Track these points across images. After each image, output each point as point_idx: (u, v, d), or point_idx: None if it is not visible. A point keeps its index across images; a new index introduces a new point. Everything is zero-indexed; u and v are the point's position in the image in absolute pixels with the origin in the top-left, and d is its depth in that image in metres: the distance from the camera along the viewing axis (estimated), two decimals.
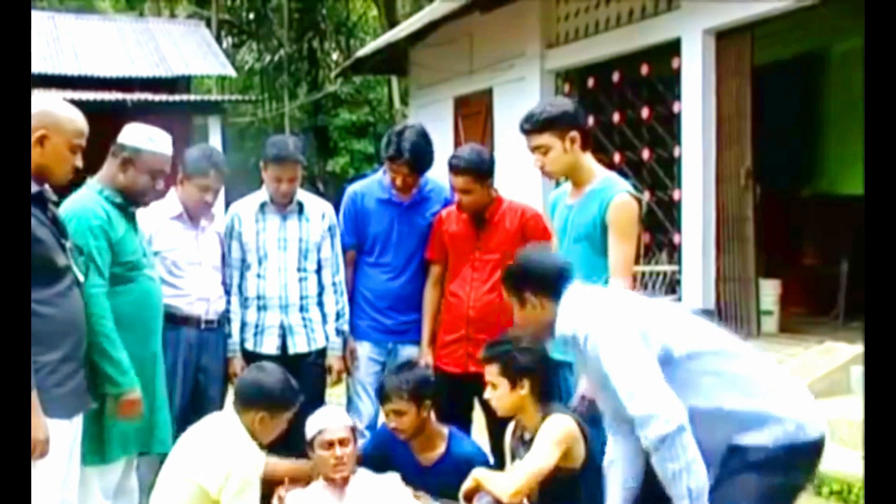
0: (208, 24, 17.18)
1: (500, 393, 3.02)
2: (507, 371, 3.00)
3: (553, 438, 2.85)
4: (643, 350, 2.36)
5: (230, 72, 14.84)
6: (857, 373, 5.26)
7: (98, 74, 12.58)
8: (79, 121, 2.60)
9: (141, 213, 3.51)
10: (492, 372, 3.04)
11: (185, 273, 3.60)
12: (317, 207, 3.89)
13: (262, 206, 3.82)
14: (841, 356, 5.39)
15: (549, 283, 2.61)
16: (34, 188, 2.46)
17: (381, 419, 3.73)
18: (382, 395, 3.31)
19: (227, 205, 3.86)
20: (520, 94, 8.14)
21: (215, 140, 12.25)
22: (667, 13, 6.73)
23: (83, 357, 2.65)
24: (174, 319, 3.51)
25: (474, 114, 9.06)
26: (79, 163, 2.60)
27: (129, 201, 3.13)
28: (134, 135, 3.10)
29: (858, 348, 5.43)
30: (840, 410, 4.85)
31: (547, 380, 3.11)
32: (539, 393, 3.04)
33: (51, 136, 2.50)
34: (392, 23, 15.77)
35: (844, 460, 4.40)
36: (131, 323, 3.00)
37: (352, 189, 4.11)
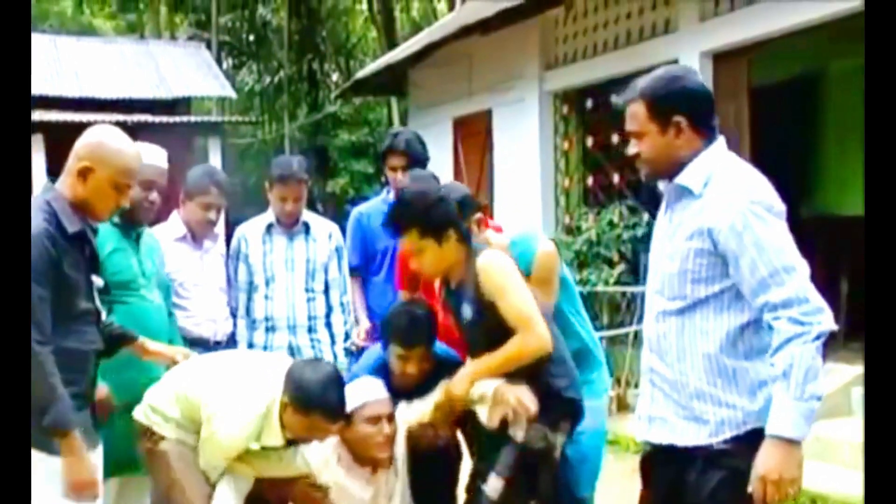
0: (208, 46, 17.28)
1: (428, 256, 2.72)
2: (429, 231, 2.70)
3: (502, 276, 2.64)
4: (793, 242, 2.16)
5: (230, 93, 14.93)
6: (858, 394, 5.25)
7: (99, 96, 12.64)
8: (128, 158, 2.46)
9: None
10: (411, 239, 2.72)
11: (191, 294, 3.61)
12: (323, 228, 3.90)
13: (269, 227, 3.83)
14: (841, 377, 5.38)
15: (708, 112, 2.26)
16: (76, 227, 2.39)
17: None
18: (407, 341, 2.93)
19: (228, 224, 3.86)
20: (519, 116, 8.18)
21: (215, 161, 12.29)
22: (664, 35, 6.77)
23: (90, 394, 2.55)
24: (182, 341, 3.51)
25: (474, 135, 9.09)
26: (125, 202, 2.51)
27: (127, 221, 3.14)
28: None
29: (859, 369, 5.42)
30: (841, 432, 4.83)
31: None
32: (464, 238, 2.77)
33: (95, 170, 2.40)
34: (391, 44, 15.88)
35: (846, 482, 4.38)
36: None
37: (357, 210, 4.19)
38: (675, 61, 6.52)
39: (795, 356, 2.04)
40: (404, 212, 2.77)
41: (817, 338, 2.05)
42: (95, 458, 2.55)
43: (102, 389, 2.78)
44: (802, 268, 2.12)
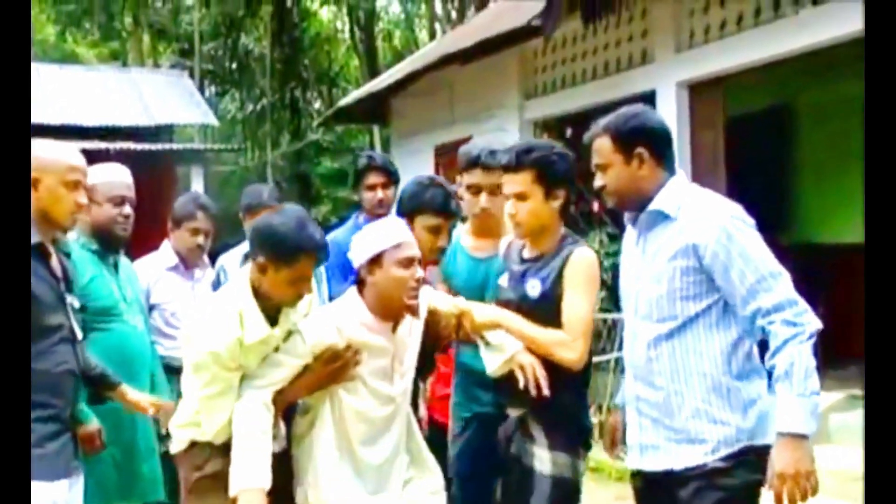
0: (191, 74, 17.31)
1: (531, 205, 2.66)
2: (543, 179, 2.65)
3: (589, 278, 2.62)
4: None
5: (213, 121, 14.92)
6: (836, 421, 5.30)
7: (81, 124, 12.60)
8: (67, 156, 2.51)
9: (137, 266, 3.56)
10: (522, 180, 2.65)
11: (183, 324, 3.60)
12: None
13: (245, 257, 3.83)
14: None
15: (667, 146, 2.40)
16: (34, 239, 2.40)
17: None
18: (444, 207, 2.86)
19: (210, 254, 3.87)
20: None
21: (198, 188, 12.28)
22: (641, 66, 6.89)
23: (68, 418, 2.50)
24: (175, 371, 3.51)
25: (455, 163, 9.12)
26: (82, 199, 2.52)
27: (104, 246, 3.16)
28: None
29: (836, 396, 5.49)
30: (819, 460, 4.85)
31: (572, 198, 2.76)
32: (565, 209, 2.73)
33: (41, 178, 2.44)
34: (373, 72, 16.02)
35: None
36: None
37: (332, 238, 4.12)
38: (652, 91, 6.64)
39: (795, 355, 2.12)
40: (528, 150, 2.69)
41: (811, 337, 2.15)
42: (75, 486, 2.51)
43: (94, 426, 2.74)
44: (785, 273, 2.23)
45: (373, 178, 3.84)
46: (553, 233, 2.71)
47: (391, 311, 2.59)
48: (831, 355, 6.70)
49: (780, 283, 2.20)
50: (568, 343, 2.57)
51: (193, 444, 2.57)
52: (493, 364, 2.69)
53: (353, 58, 20.34)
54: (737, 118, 6.75)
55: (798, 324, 2.15)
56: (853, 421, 5.30)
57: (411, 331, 2.69)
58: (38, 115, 12.63)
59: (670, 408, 2.31)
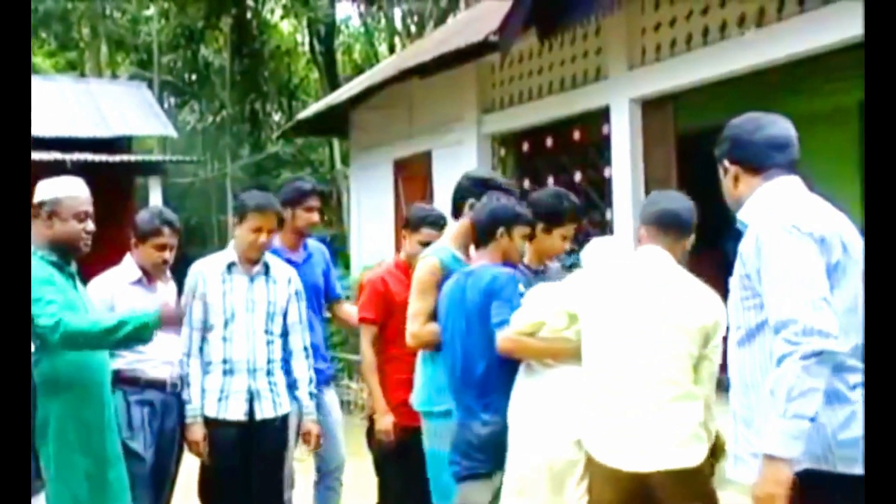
0: (150, 85, 17.23)
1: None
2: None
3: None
4: (816, 262, 2.13)
5: (171, 132, 14.85)
6: None
7: (38, 135, 12.44)
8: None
9: (99, 280, 3.59)
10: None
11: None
12: (283, 271, 3.84)
13: (230, 266, 3.73)
14: None
15: (749, 152, 2.39)
16: None
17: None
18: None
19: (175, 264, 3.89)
20: (458, 158, 8.37)
21: (156, 200, 12.23)
22: (595, 82, 7.06)
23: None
24: (138, 383, 3.55)
25: (414, 176, 9.26)
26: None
27: (64, 259, 3.16)
28: (49, 188, 3.14)
29: None
30: None
31: None
32: None
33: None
34: (333, 85, 16.09)
35: None
36: (72, 385, 3.01)
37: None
38: (607, 107, 6.81)
39: (780, 375, 2.06)
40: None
41: (806, 356, 2.03)
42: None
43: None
44: (804, 288, 2.09)
45: (312, 204, 4.14)
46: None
47: None
48: None
49: (790, 299, 2.08)
50: None
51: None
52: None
53: (313, 70, 20.40)
54: (689, 134, 6.92)
55: (794, 342, 2.05)
56: None
57: None
58: None
59: (748, 419, 2.29)
